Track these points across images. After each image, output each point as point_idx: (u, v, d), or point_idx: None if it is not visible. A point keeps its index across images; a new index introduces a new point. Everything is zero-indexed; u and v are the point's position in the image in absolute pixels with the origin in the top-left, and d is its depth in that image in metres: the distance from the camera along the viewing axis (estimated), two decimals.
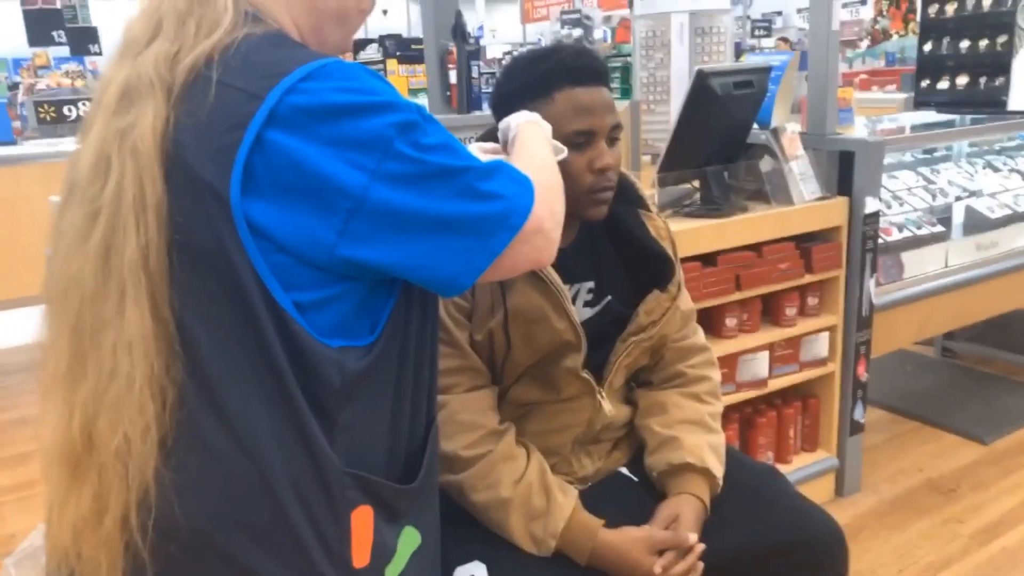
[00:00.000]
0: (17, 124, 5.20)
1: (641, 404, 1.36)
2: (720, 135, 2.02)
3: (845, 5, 8.88)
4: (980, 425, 2.71)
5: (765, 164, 2.10)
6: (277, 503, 0.77)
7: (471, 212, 0.80)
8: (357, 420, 0.82)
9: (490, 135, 1.29)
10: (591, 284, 1.27)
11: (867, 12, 8.67)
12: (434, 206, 0.78)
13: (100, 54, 5.87)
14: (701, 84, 1.87)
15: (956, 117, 2.82)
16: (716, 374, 1.40)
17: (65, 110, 4.90)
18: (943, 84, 3.05)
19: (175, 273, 0.76)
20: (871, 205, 2.15)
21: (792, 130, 2.12)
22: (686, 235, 1.86)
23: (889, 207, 2.44)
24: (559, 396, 1.25)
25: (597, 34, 5.02)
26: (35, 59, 8.43)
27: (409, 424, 0.90)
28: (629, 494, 1.30)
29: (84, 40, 5.87)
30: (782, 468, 2.16)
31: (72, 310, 0.77)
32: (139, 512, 0.75)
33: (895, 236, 2.38)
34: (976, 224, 2.58)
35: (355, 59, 7.60)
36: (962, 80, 2.98)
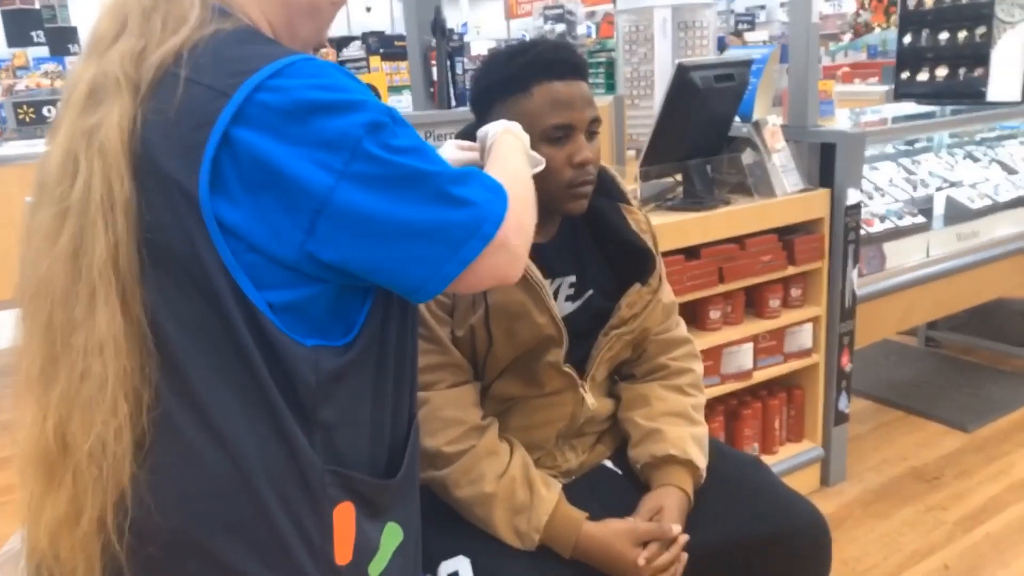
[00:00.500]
0: None
1: (624, 397, 1.37)
2: (702, 128, 2.02)
3: None
4: (963, 414, 2.73)
5: (747, 157, 2.10)
6: (257, 500, 0.77)
7: (441, 218, 0.78)
8: (336, 417, 0.82)
9: (469, 132, 1.28)
10: (572, 279, 1.27)
11: (849, 6, 8.71)
12: (403, 210, 0.77)
13: (79, 54, 5.82)
14: (682, 78, 1.88)
15: (936, 108, 2.84)
16: (698, 366, 1.40)
17: (44, 111, 4.85)
18: (923, 76, 3.07)
19: (146, 272, 0.76)
20: (853, 196, 2.17)
21: (773, 123, 2.13)
22: (669, 228, 1.87)
23: (871, 198, 2.46)
24: (542, 391, 1.25)
25: (580, 29, 5.01)
26: (14, 60, 8.35)
27: (391, 420, 0.90)
28: (613, 487, 1.30)
29: (63, 40, 5.82)
30: (768, 459, 2.18)
31: (44, 311, 0.76)
32: (115, 514, 0.74)
33: (877, 227, 2.39)
34: (957, 214, 2.60)
35: (338, 56, 7.58)
36: (942, 72, 3.01)
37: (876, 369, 3.12)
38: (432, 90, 3.04)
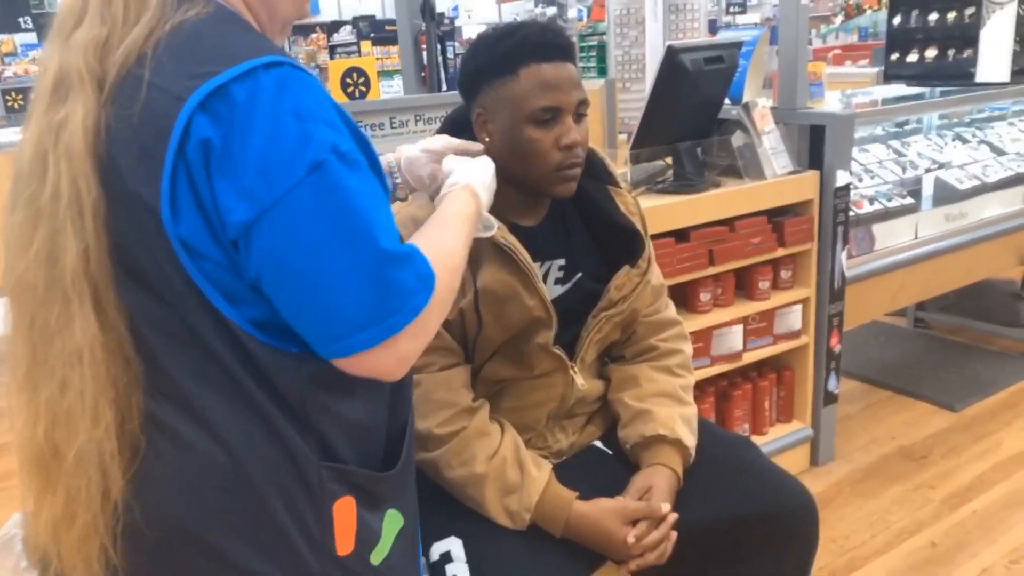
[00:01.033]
0: None
1: (614, 378, 1.38)
2: (692, 111, 2.03)
3: None
4: (951, 393, 2.76)
5: (737, 139, 2.11)
6: (255, 494, 0.77)
7: (360, 293, 0.73)
8: (329, 416, 0.81)
9: (456, 118, 1.29)
10: (562, 261, 1.28)
11: None
12: (323, 263, 0.72)
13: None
14: (672, 60, 1.88)
15: (926, 90, 2.85)
16: (687, 347, 1.41)
17: (32, 94, 4.82)
18: (912, 57, 3.08)
19: (120, 278, 0.74)
20: (842, 178, 2.18)
21: (763, 105, 2.13)
22: (659, 211, 1.87)
23: (860, 180, 2.47)
24: (532, 372, 1.26)
25: (571, 12, 5.00)
26: (1, 46, 8.26)
27: (388, 415, 0.89)
28: (603, 467, 1.31)
29: (48, 23, 5.76)
30: (758, 439, 2.20)
31: (27, 313, 0.75)
32: (110, 516, 0.75)
33: (866, 208, 2.40)
34: (946, 195, 2.61)
35: (328, 41, 7.54)
36: (931, 53, 3.01)
37: (865, 350, 3.14)
38: (423, 74, 3.02)
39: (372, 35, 7.00)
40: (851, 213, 2.26)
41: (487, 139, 1.19)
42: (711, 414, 2.17)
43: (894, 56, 3.14)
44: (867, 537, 2.06)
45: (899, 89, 2.94)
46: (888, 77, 3.16)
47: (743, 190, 2.04)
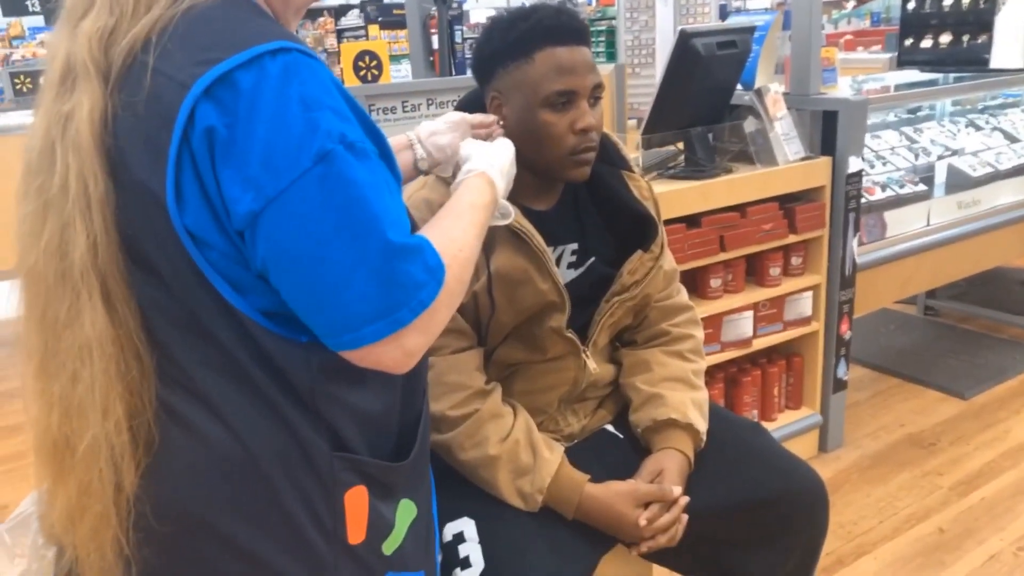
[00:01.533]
0: None
1: (625, 363, 1.38)
2: (704, 96, 2.02)
3: None
4: (960, 381, 2.76)
5: (749, 125, 2.10)
6: (267, 482, 0.77)
7: (366, 287, 0.72)
8: (340, 406, 0.81)
9: (470, 100, 1.28)
10: (575, 246, 1.28)
11: None
12: (330, 255, 0.71)
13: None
14: (684, 45, 1.87)
15: (939, 76, 2.83)
16: (699, 332, 1.42)
17: (41, 80, 4.82)
18: (926, 43, 3.05)
19: (130, 270, 0.74)
20: (854, 164, 2.17)
21: (776, 90, 2.12)
22: (670, 197, 1.87)
23: (872, 166, 2.46)
24: (544, 356, 1.27)
25: None
26: (9, 29, 8.26)
27: (401, 402, 0.89)
28: (614, 450, 1.32)
29: (59, 9, 5.75)
30: (767, 425, 2.20)
31: (38, 305, 0.75)
32: (123, 508, 0.75)
33: (878, 195, 2.39)
34: (958, 182, 2.60)
35: (336, 25, 7.51)
36: (945, 39, 2.98)
37: (875, 337, 3.14)
38: (432, 59, 3.02)
39: (380, 19, 6.98)
40: (863, 200, 2.25)
41: (501, 123, 1.19)
42: (720, 400, 2.17)
43: (908, 41, 3.12)
44: (875, 523, 2.06)
45: (912, 75, 2.92)
46: (902, 63, 3.14)
47: (755, 176, 2.03)
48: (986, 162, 2.67)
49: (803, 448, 2.32)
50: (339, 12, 7.93)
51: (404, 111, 2.38)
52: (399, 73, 4.74)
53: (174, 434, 0.76)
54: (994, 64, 2.84)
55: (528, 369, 1.28)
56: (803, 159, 2.13)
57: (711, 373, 2.13)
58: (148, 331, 0.75)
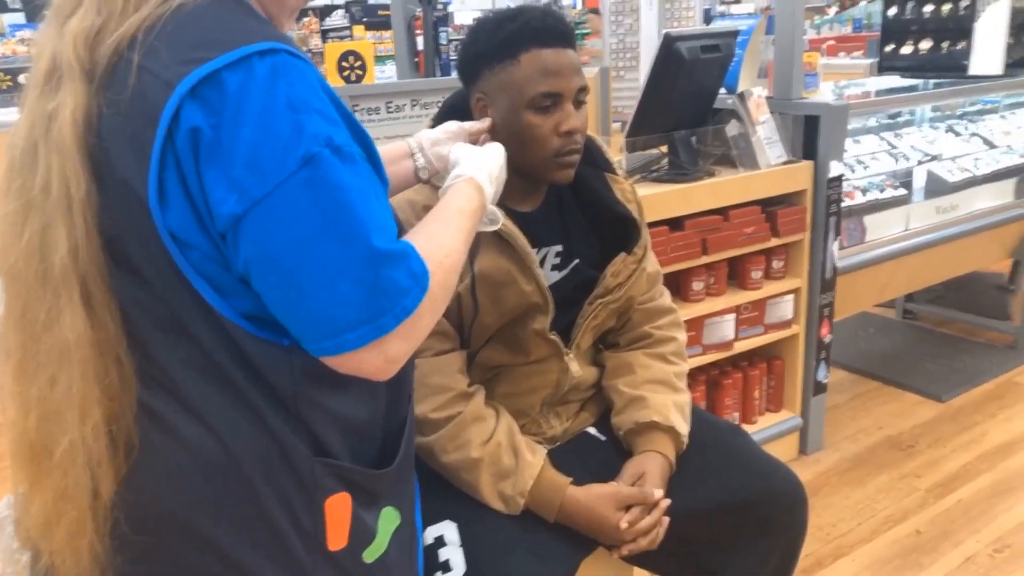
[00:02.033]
0: None
1: (608, 365, 1.38)
2: (687, 100, 2.03)
3: None
4: (938, 384, 2.79)
5: (732, 128, 2.11)
6: (247, 485, 0.76)
7: (351, 290, 0.72)
8: (322, 410, 0.80)
9: (455, 101, 1.28)
10: (559, 248, 1.28)
11: None
12: (314, 260, 0.71)
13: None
14: (668, 48, 1.87)
15: (919, 82, 2.86)
16: (682, 335, 1.42)
17: (21, 78, 4.76)
18: (907, 49, 3.09)
19: (112, 270, 0.73)
20: (835, 169, 2.18)
21: (758, 94, 2.13)
22: (654, 200, 1.88)
23: (853, 171, 2.48)
24: (527, 358, 1.26)
25: (565, 0, 4.98)
26: None
27: (386, 408, 0.88)
28: (597, 453, 1.32)
29: (40, 7, 5.67)
30: (748, 428, 2.22)
31: (18, 305, 0.74)
32: (99, 513, 0.74)
33: (858, 199, 2.42)
34: (937, 187, 2.63)
35: (321, 25, 7.47)
36: (925, 45, 3.02)
37: (855, 340, 3.17)
38: (417, 60, 3.01)
39: (365, 19, 6.95)
40: (843, 204, 2.27)
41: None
42: (702, 402, 2.19)
43: (889, 47, 3.15)
44: (853, 525, 2.08)
45: (893, 81, 2.95)
46: (882, 68, 3.18)
47: (737, 179, 2.05)
48: (964, 168, 2.70)
49: (783, 450, 2.33)
50: (324, 12, 7.89)
51: (388, 111, 2.38)
52: (384, 74, 4.72)
53: (154, 437, 0.76)
54: (973, 71, 2.87)
55: (511, 371, 1.28)
56: (785, 163, 2.14)
57: (693, 375, 2.14)
58: (129, 333, 0.74)
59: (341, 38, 7.04)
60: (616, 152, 1.95)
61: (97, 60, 0.72)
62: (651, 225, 1.85)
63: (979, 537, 2.01)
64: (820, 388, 2.37)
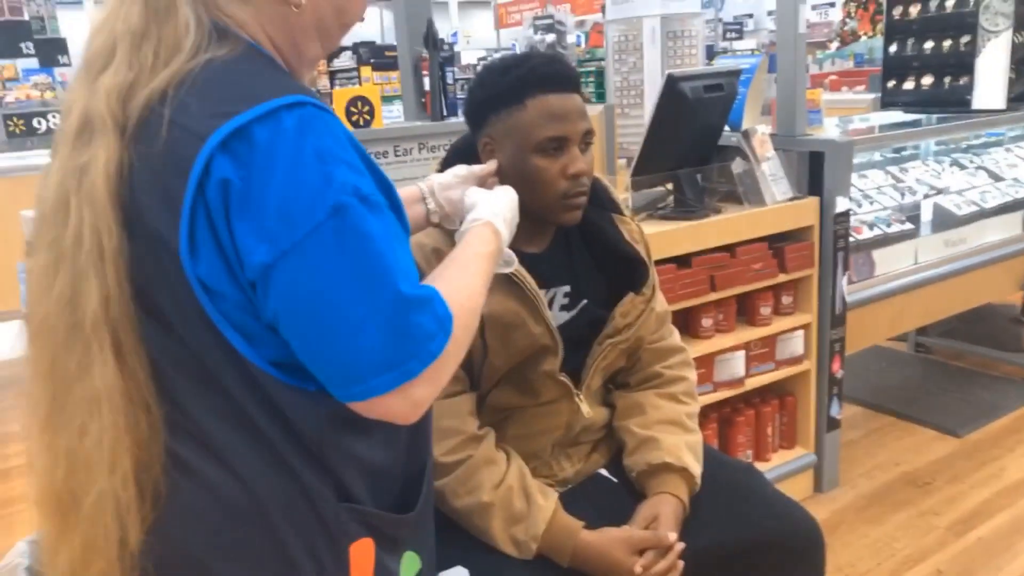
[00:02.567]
0: None
1: (619, 405, 1.37)
2: (692, 138, 2.04)
3: (815, 7, 9.01)
4: (954, 419, 2.75)
5: (737, 166, 2.12)
6: (273, 532, 0.76)
7: (377, 338, 0.72)
8: (347, 455, 0.80)
9: (462, 147, 1.29)
10: (567, 288, 1.28)
11: (836, 14, 8.80)
12: (344, 306, 0.72)
13: (69, 65, 5.81)
14: (672, 88, 1.89)
15: (923, 116, 2.88)
16: (692, 374, 1.41)
17: (35, 122, 4.84)
18: (909, 84, 3.11)
19: (141, 319, 0.74)
20: (841, 204, 2.19)
21: (762, 132, 2.15)
22: (661, 237, 1.88)
23: (859, 206, 2.48)
24: (537, 400, 1.26)
25: (570, 39, 5.04)
26: (3, 71, 8.31)
27: (406, 452, 0.88)
28: (609, 495, 1.31)
29: (53, 51, 5.80)
30: (761, 466, 2.19)
31: (46, 356, 0.75)
32: (128, 561, 0.74)
33: (866, 234, 2.42)
34: (944, 221, 2.63)
35: (328, 66, 7.60)
36: (927, 80, 3.04)
37: (867, 375, 3.14)
38: (424, 100, 3.05)
39: (372, 61, 7.07)
40: (851, 239, 2.27)
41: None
42: (714, 440, 2.16)
43: (891, 83, 3.17)
44: (872, 565, 2.04)
45: (896, 116, 2.97)
46: (885, 104, 3.20)
47: (744, 216, 2.05)
48: (971, 201, 2.71)
49: (798, 488, 2.30)
50: (332, 54, 8.03)
51: (396, 155, 2.41)
52: (391, 113, 4.79)
53: (181, 484, 0.76)
54: (976, 105, 2.89)
55: (521, 413, 1.27)
56: (791, 199, 2.15)
57: (704, 413, 2.11)
58: (157, 381, 0.75)
59: (349, 79, 7.15)
60: (622, 190, 1.97)
61: (129, 114, 0.74)
62: (658, 263, 1.86)
63: None
64: (834, 424, 2.35)
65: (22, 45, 5.75)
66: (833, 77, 6.17)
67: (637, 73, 4.47)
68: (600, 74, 4.89)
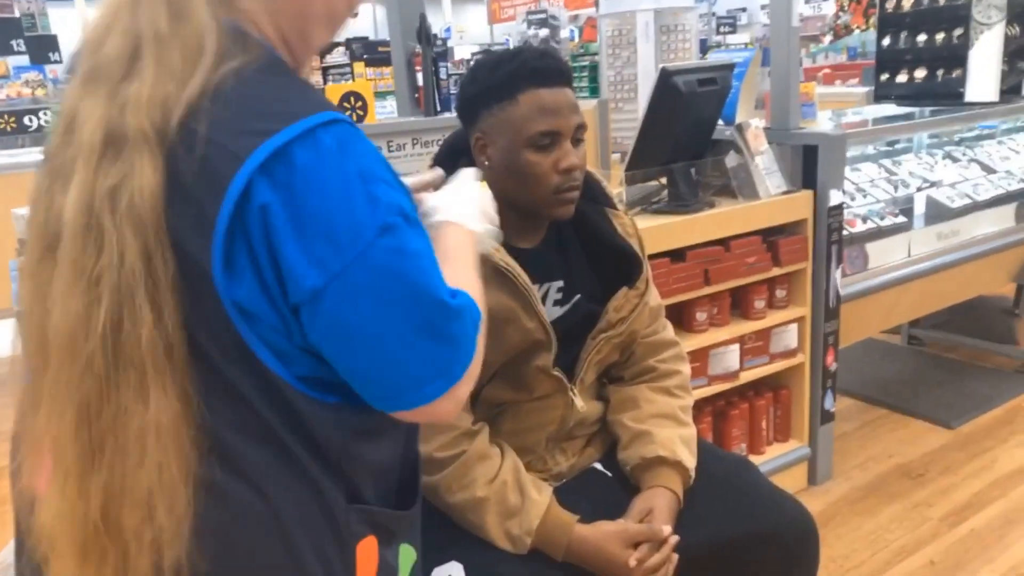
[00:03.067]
0: None
1: (613, 400, 1.38)
2: (686, 132, 2.04)
3: (808, 1, 9.01)
4: (947, 410, 2.77)
5: (731, 160, 2.13)
6: (290, 543, 0.76)
7: (425, 349, 0.74)
8: (359, 460, 0.81)
9: (452, 144, 1.29)
10: (560, 283, 1.29)
11: (829, 7, 8.79)
12: (390, 326, 0.73)
13: (60, 62, 5.78)
14: (665, 82, 1.89)
15: (916, 110, 2.88)
16: (686, 368, 1.42)
17: (26, 120, 4.82)
18: (902, 77, 3.12)
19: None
20: (835, 197, 2.19)
21: (756, 125, 2.15)
22: (655, 231, 1.88)
23: (853, 199, 2.49)
24: (531, 395, 1.26)
25: (563, 33, 5.04)
26: None
27: (404, 447, 0.89)
28: (603, 489, 1.31)
29: (44, 48, 5.78)
30: (756, 459, 2.20)
31: (77, 393, 0.70)
32: None
33: (859, 227, 2.42)
34: (937, 214, 2.64)
35: (322, 62, 7.58)
36: (920, 73, 3.05)
37: (860, 368, 3.15)
38: (417, 95, 3.04)
39: (365, 56, 7.05)
40: (844, 232, 2.27)
41: (486, 163, 1.20)
42: (708, 434, 2.17)
43: (884, 76, 3.18)
44: (866, 556, 2.05)
45: (889, 109, 2.98)
46: (878, 97, 3.20)
47: (737, 210, 2.05)
48: (964, 193, 2.71)
49: (792, 481, 2.31)
50: (324, 49, 8.01)
51: (389, 151, 2.40)
52: (384, 109, 4.78)
53: (209, 502, 0.74)
54: (969, 97, 2.90)
55: (515, 408, 1.27)
56: (785, 193, 2.15)
57: (698, 407, 2.12)
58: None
59: (342, 75, 7.13)
60: (616, 184, 1.97)
61: (170, 128, 0.70)
62: (652, 257, 1.86)
63: (994, 567, 1.98)
64: (828, 417, 2.36)
65: (13, 42, 5.72)
66: (826, 71, 6.17)
67: (631, 68, 4.47)
68: (594, 69, 4.89)
